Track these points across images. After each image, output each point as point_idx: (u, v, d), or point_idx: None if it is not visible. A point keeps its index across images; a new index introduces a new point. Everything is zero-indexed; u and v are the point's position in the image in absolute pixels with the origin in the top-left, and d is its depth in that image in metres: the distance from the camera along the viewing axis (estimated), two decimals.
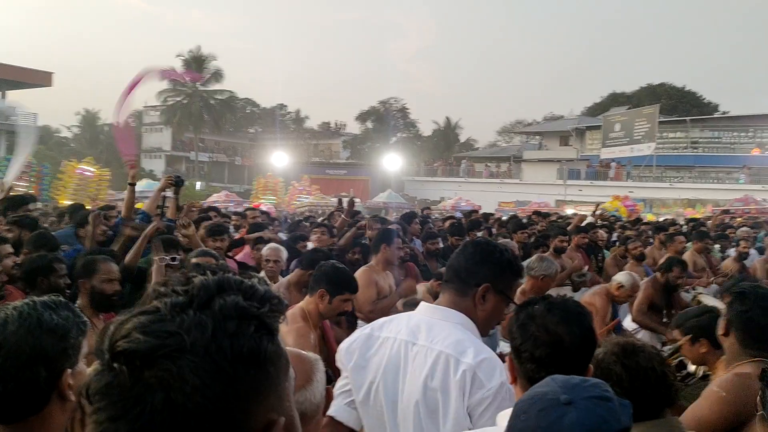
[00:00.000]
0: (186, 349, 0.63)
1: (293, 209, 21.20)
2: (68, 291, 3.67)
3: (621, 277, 5.17)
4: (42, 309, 1.40)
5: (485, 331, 1.98)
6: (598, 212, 12.44)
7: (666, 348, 3.48)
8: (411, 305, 4.67)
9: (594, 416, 1.05)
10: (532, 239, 7.56)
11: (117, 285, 3.60)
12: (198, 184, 38.52)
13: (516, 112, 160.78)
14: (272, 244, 5.70)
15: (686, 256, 7.47)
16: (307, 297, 3.39)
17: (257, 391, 0.67)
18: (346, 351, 2.04)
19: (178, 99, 48.51)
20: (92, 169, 16.45)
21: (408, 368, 1.88)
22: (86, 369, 1.42)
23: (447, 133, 59.20)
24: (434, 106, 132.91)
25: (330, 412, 2.08)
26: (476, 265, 1.97)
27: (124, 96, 5.94)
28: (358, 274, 4.97)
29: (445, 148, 55.82)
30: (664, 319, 5.65)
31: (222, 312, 0.66)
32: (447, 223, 9.29)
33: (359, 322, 4.85)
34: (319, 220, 10.18)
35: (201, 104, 48.69)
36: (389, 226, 6.22)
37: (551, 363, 1.52)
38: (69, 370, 1.38)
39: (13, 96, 42.77)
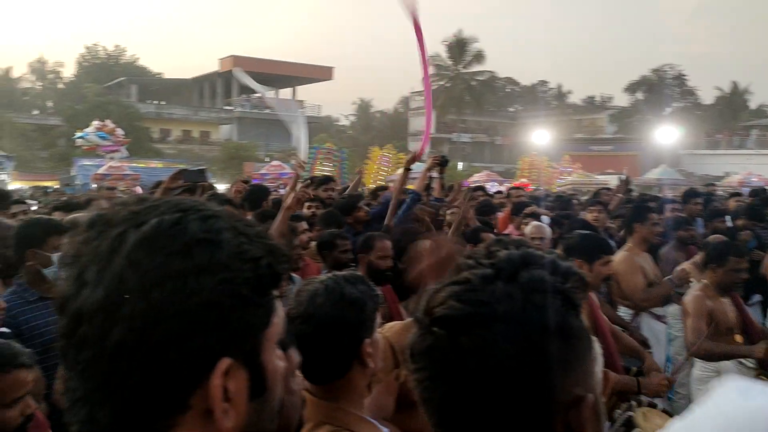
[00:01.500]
0: (497, 318, 0.67)
1: (555, 189, 20.67)
2: (352, 264, 4.06)
3: None
4: (344, 283, 1.56)
5: None
6: None
7: None
8: (682, 288, 4.26)
9: None
10: None
11: (390, 261, 3.90)
12: (460, 165, 39.64)
13: None
14: (536, 222, 5.64)
15: None
16: None
17: (564, 365, 0.69)
18: None
19: (441, 83, 50.32)
20: (389, 155, 18.07)
21: None
22: (380, 339, 1.57)
23: (733, 100, 52.33)
24: (717, 70, 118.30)
25: None
26: None
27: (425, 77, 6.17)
28: (618, 260, 4.68)
29: (731, 117, 49.37)
30: None
31: (529, 285, 0.69)
32: (732, 201, 8.24)
33: (624, 310, 4.57)
34: (584, 198, 9.76)
35: (463, 86, 49.89)
36: (641, 202, 5.74)
37: None
38: (367, 340, 1.52)
39: (303, 90, 48.44)
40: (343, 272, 1.65)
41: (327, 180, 6.91)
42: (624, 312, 4.61)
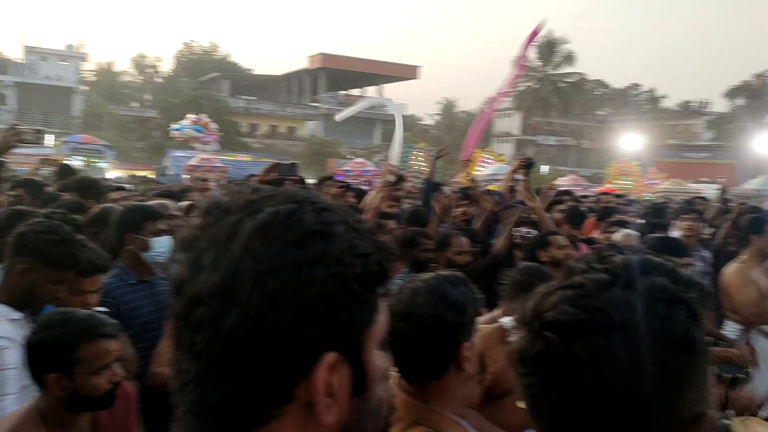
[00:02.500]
0: (615, 325, 0.64)
1: (644, 197, 19.89)
2: (432, 263, 4.04)
3: None
4: (446, 284, 1.53)
5: None
6: None
7: None
8: None
9: None
10: None
11: (468, 257, 3.92)
12: (545, 168, 38.79)
13: None
14: (625, 230, 5.45)
15: None
16: None
17: (687, 379, 0.65)
18: None
19: (529, 84, 49.36)
20: (491, 158, 18.25)
21: None
22: (478, 344, 1.54)
23: None
24: None
25: None
26: None
27: (502, 94, 6.30)
28: (730, 271, 4.43)
29: None
30: None
31: (650, 293, 0.65)
32: None
33: (731, 324, 4.33)
34: (675, 206, 9.34)
35: (550, 88, 48.77)
36: (758, 213, 5.40)
37: None
38: (466, 343, 1.49)
39: (388, 89, 48.79)
40: (446, 272, 1.63)
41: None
42: (733, 328, 4.37)
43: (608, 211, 6.69)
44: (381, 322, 0.68)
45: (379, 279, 0.66)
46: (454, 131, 52.65)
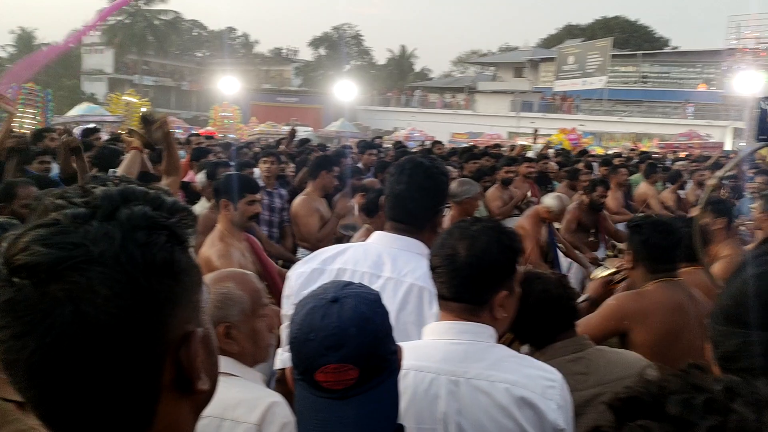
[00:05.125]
0: (94, 259, 0.60)
1: (245, 138, 20.80)
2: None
3: (549, 200, 5.10)
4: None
5: None
6: (539, 144, 12.89)
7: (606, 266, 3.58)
8: (351, 228, 4.60)
9: (356, 312, 1.14)
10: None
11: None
12: (144, 110, 37.11)
13: (472, 42, 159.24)
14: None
15: (641, 188, 7.74)
16: (219, 216, 3.38)
17: (172, 302, 0.65)
18: (294, 291, 1.90)
19: (120, 18, 46.11)
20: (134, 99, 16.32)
21: None
22: None
23: (401, 62, 58.30)
24: (389, 33, 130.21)
25: (282, 365, 1.93)
26: (431, 199, 1.97)
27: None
28: (297, 203, 4.88)
29: (399, 78, 55.07)
30: (591, 239, 5.91)
31: (130, 222, 0.63)
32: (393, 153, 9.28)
33: (302, 251, 4.80)
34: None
35: (144, 24, 46.43)
36: (325, 151, 6.19)
37: (444, 275, 1.52)
38: None
39: None
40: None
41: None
42: (303, 253, 4.81)
43: (201, 152, 6.78)
44: None
45: None
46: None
